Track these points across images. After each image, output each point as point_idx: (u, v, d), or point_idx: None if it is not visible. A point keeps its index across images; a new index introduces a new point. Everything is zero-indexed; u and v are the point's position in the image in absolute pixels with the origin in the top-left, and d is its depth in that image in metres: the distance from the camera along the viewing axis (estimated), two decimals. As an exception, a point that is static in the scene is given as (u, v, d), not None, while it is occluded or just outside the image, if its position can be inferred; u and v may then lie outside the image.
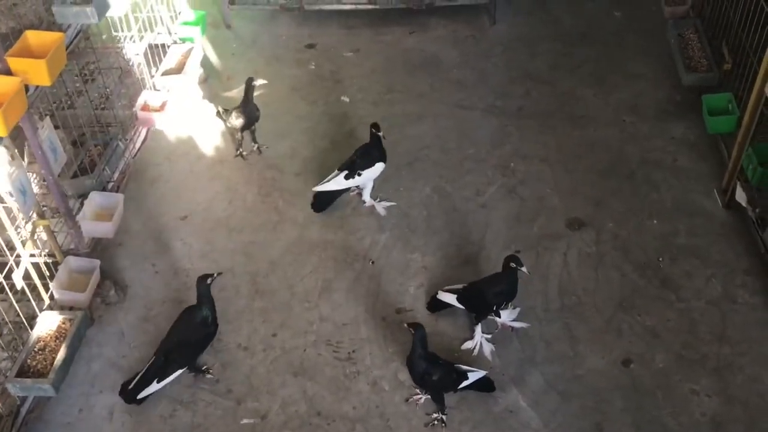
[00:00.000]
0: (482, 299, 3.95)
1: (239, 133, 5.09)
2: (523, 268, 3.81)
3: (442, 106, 5.52)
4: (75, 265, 4.11)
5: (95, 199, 4.36)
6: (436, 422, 3.69)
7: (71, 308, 4.00)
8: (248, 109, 4.98)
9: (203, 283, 3.81)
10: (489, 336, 4.03)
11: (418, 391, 3.80)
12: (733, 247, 4.42)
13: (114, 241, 4.53)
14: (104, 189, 4.53)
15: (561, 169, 4.99)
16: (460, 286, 4.08)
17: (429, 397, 3.75)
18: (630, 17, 6.25)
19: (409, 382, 3.82)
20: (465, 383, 3.66)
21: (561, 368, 3.90)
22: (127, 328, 4.19)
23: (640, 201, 4.75)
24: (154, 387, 3.77)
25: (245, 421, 3.78)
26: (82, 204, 4.33)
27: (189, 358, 3.87)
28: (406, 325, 3.67)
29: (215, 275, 3.85)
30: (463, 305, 4.03)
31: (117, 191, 4.61)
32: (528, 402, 3.76)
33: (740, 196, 4.33)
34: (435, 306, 4.16)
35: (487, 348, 3.98)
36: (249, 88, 4.94)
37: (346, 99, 5.63)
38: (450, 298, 4.06)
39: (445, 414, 3.69)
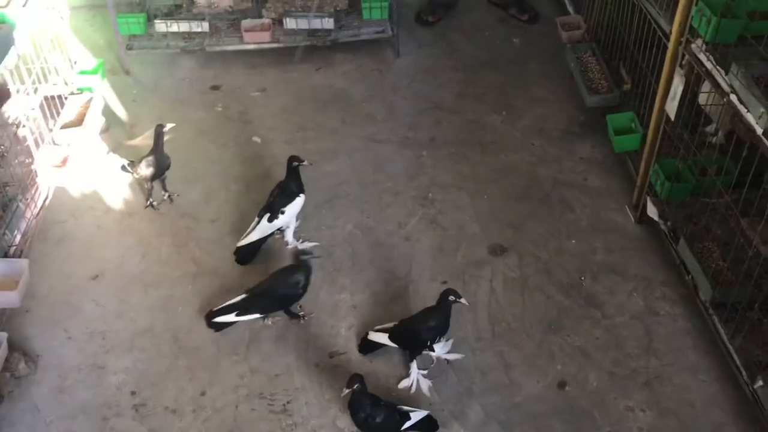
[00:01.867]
0: (416, 335, 3.90)
1: (149, 183, 4.88)
2: (462, 300, 3.79)
3: (355, 141, 5.50)
4: (-22, 341, 3.81)
5: (-3, 266, 4.07)
6: (380, 467, 3.60)
7: (-23, 388, 3.70)
8: (158, 157, 4.78)
9: (301, 257, 4.06)
10: (425, 372, 3.99)
11: (359, 436, 3.71)
12: (648, 260, 4.56)
13: (20, 309, 4.23)
14: (6, 255, 4.22)
15: (478, 196, 5.04)
16: (391, 324, 4.02)
17: (371, 442, 3.66)
18: (529, 43, 6.44)
19: (349, 428, 3.72)
20: (408, 423, 3.59)
21: (499, 397, 3.89)
22: (41, 401, 3.90)
23: (556, 222, 4.85)
24: (232, 318, 4.05)
25: (180, 489, 3.58)
26: (-18, 273, 4.03)
27: (269, 308, 4.08)
28: (345, 391, 3.51)
29: (314, 255, 4.11)
30: (396, 343, 3.96)
31: (20, 256, 4.31)
32: (470, 436, 3.73)
33: (651, 211, 4.48)
34: (367, 347, 4.08)
35: (425, 384, 3.93)
36: (159, 135, 4.73)
37: (258, 139, 5.52)
38: (382, 338, 3.98)
39: (389, 457, 3.61)
